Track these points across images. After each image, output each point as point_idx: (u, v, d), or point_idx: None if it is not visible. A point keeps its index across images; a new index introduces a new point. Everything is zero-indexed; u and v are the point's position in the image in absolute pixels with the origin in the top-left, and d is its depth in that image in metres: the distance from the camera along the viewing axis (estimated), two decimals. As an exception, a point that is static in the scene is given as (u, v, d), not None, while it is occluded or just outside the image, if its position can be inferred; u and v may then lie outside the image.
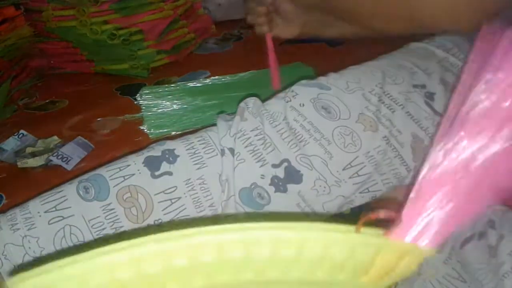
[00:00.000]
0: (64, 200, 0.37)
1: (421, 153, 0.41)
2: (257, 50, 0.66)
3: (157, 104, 0.75)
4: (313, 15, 0.58)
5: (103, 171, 0.39)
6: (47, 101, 0.82)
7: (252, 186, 0.39)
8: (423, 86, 0.44)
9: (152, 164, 0.38)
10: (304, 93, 0.42)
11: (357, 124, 0.40)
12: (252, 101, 0.43)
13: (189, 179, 0.38)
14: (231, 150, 0.39)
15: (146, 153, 0.39)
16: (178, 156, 0.39)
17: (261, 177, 0.39)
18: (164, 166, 0.38)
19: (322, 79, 0.44)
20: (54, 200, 0.38)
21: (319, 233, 0.20)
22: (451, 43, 0.49)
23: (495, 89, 0.20)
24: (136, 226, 0.37)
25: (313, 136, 0.39)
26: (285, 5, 0.59)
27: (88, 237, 0.36)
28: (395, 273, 0.21)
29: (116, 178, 0.38)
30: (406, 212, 0.20)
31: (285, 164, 0.39)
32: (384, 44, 0.49)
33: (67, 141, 0.64)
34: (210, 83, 0.82)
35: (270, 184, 0.39)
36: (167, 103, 0.75)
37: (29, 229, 0.36)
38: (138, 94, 0.79)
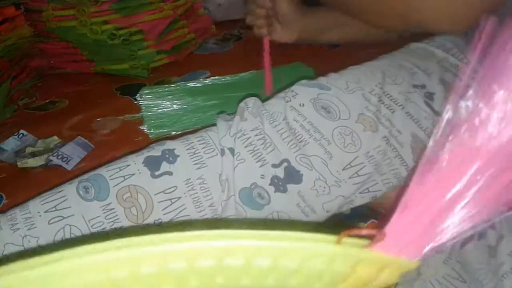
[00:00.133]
0: (64, 200, 0.37)
1: (421, 153, 0.41)
2: (257, 50, 0.67)
3: (157, 104, 0.75)
4: (311, 20, 0.58)
5: (103, 171, 0.39)
6: (47, 101, 0.82)
7: (252, 186, 0.39)
8: (423, 86, 0.44)
9: (152, 164, 0.38)
10: (304, 93, 0.42)
11: (357, 124, 0.40)
12: (252, 101, 0.43)
13: (189, 179, 0.38)
14: (231, 150, 0.39)
15: (146, 153, 0.39)
16: (178, 156, 0.39)
17: (261, 177, 0.39)
18: (164, 166, 0.38)
19: (322, 79, 0.44)
20: (54, 200, 0.38)
21: (298, 244, 0.19)
22: (451, 43, 0.49)
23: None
24: (136, 226, 0.37)
25: (313, 136, 0.40)
26: (284, 7, 0.59)
27: (88, 237, 0.36)
28: (373, 285, 0.21)
29: (116, 178, 0.38)
30: (389, 226, 0.20)
31: (285, 164, 0.39)
32: (384, 46, 0.49)
33: (67, 141, 0.64)
34: (210, 83, 0.82)
35: (270, 184, 0.39)
36: (167, 103, 0.75)
37: (29, 229, 0.36)
38: (138, 94, 0.79)
